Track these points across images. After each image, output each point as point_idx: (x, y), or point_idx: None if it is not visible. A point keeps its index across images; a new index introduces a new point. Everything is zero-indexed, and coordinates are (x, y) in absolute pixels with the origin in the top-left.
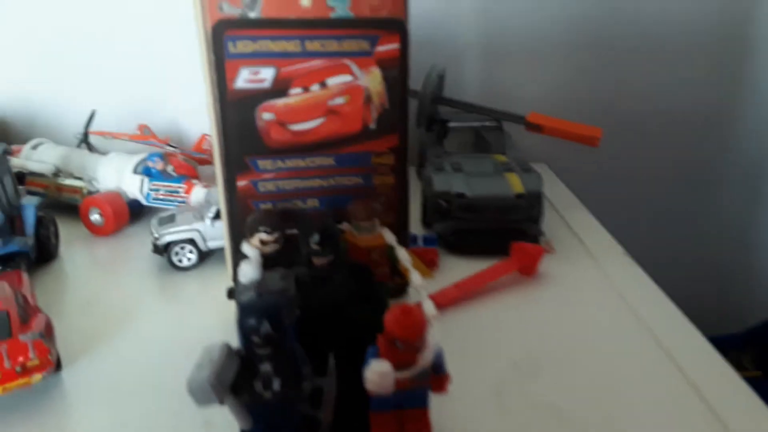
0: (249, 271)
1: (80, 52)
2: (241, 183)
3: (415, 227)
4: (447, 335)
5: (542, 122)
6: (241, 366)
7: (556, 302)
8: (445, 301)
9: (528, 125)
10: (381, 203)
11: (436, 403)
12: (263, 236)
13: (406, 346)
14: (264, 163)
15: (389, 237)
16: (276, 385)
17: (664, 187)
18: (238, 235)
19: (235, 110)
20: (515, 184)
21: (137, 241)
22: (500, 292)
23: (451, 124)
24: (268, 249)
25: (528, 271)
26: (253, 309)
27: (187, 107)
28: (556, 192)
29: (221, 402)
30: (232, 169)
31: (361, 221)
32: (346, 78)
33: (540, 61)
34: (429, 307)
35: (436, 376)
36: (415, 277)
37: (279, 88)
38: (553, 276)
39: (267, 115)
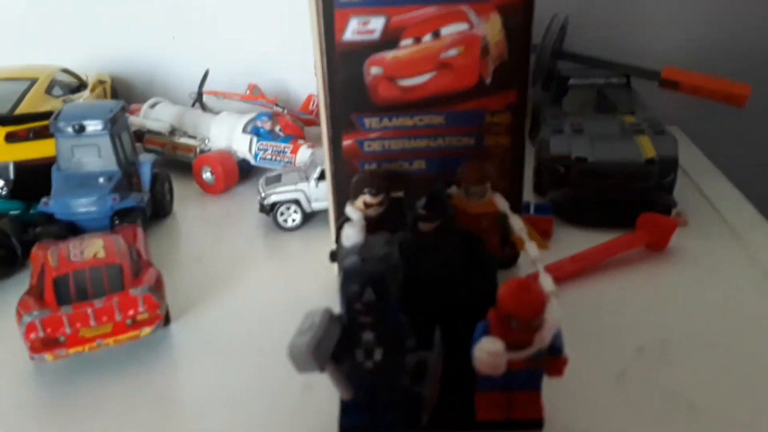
0: (352, 235)
1: (194, 13)
2: (346, 142)
3: (526, 196)
4: (563, 313)
5: (680, 78)
6: (342, 333)
7: (690, 281)
8: (559, 275)
9: (663, 82)
10: (494, 166)
11: (548, 384)
12: (368, 198)
13: (522, 324)
14: (370, 122)
15: (502, 203)
16: (378, 355)
17: None
18: (342, 196)
19: (342, 64)
20: (646, 147)
21: (246, 200)
22: (624, 268)
23: (572, 82)
24: (373, 212)
25: (658, 246)
26: (357, 275)
27: (295, 67)
28: (690, 159)
29: (321, 370)
30: (338, 128)
31: (472, 184)
32: (461, 26)
33: (676, 7)
34: (548, 283)
35: (553, 358)
36: (532, 249)
37: (389, 39)
38: (687, 252)
39: (375, 70)
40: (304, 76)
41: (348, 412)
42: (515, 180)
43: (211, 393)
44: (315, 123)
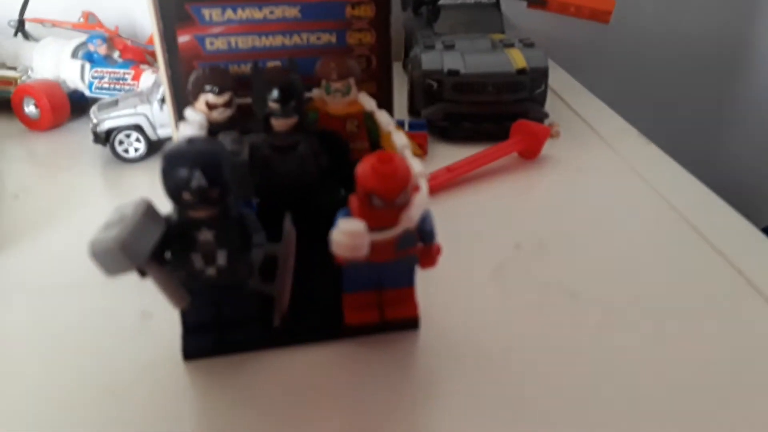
0: (188, 132)
1: None
2: (183, 39)
3: (401, 117)
4: (438, 220)
5: None
6: (173, 235)
7: (564, 184)
8: (435, 185)
9: (531, 1)
10: (359, 66)
11: (422, 282)
12: (210, 98)
13: (385, 202)
14: (210, 13)
15: (368, 102)
16: (221, 258)
17: (679, 78)
18: (182, 105)
19: None
20: (517, 59)
21: (80, 136)
22: (499, 176)
23: (441, 2)
24: (217, 115)
25: (531, 153)
26: (182, 156)
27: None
28: (558, 80)
29: (139, 270)
30: (170, 20)
31: (334, 80)
32: None
33: None
34: (416, 165)
35: (424, 247)
36: (399, 138)
37: None
38: (560, 159)
39: None
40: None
41: (190, 333)
42: (384, 84)
43: (31, 329)
44: None
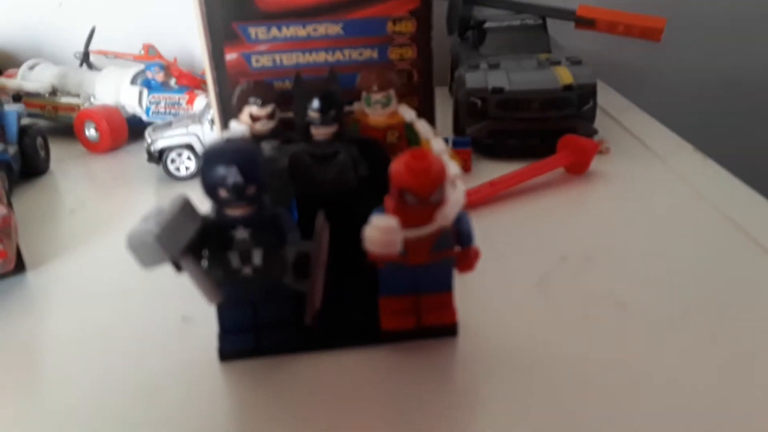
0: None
1: None
2: (230, 56)
3: (446, 135)
4: (480, 233)
5: (595, 15)
6: (212, 233)
7: (614, 198)
8: (477, 199)
9: (578, 20)
10: (401, 80)
11: (462, 291)
12: (254, 110)
13: (419, 199)
14: (256, 31)
15: (407, 113)
16: (257, 258)
17: (736, 95)
18: (228, 120)
19: None
20: (563, 75)
21: (136, 157)
22: (545, 191)
23: (487, 25)
24: (260, 127)
25: (578, 168)
26: (219, 154)
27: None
28: (609, 100)
29: (174, 263)
30: (218, 39)
31: (374, 92)
32: None
33: None
34: (452, 166)
35: (462, 251)
36: (437, 143)
37: None
38: (610, 174)
39: None
40: None
41: (227, 335)
42: (425, 98)
43: (79, 335)
44: None
